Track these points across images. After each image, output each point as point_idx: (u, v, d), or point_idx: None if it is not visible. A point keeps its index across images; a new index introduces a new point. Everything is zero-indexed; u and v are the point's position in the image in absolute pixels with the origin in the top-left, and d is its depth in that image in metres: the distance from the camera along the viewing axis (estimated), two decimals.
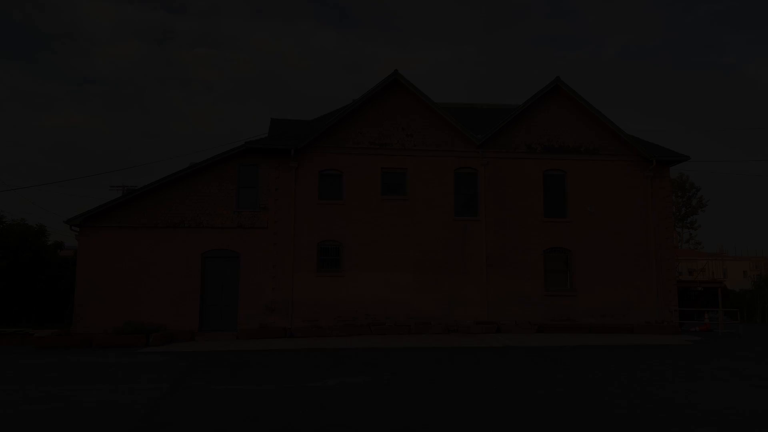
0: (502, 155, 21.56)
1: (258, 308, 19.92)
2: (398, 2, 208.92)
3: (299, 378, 11.36)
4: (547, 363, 13.29)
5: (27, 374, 12.15)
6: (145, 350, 16.33)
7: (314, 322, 19.95)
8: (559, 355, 14.54)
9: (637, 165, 22.00)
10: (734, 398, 9.41)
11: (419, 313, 20.40)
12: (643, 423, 7.72)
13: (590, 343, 17.23)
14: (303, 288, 20.14)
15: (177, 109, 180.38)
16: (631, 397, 9.47)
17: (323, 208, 20.63)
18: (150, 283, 19.63)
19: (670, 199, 22.27)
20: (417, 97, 21.22)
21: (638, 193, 21.86)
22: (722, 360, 14.08)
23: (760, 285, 33.97)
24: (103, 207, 19.66)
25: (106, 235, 19.72)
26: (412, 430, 7.38)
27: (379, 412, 8.42)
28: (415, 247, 20.74)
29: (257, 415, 8.23)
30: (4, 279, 23.00)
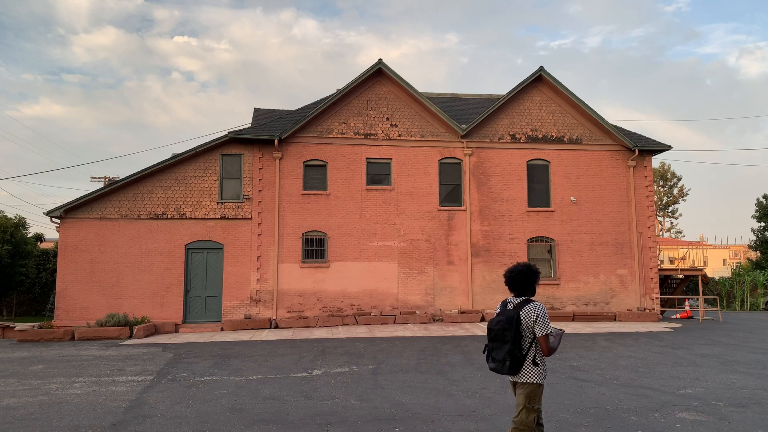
0: (486, 145, 21.63)
1: (242, 299, 19.85)
2: None
3: (284, 368, 11.36)
4: None
5: (8, 368, 12.00)
6: (129, 342, 16.22)
7: (299, 313, 19.94)
8: None
9: (619, 154, 22.20)
10: (714, 383, 9.58)
11: (404, 302, 20.48)
12: (626, 409, 7.83)
13: (573, 330, 17.42)
14: (288, 279, 20.10)
15: (157, 98, 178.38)
16: (613, 384, 9.60)
17: (308, 198, 20.56)
18: (133, 275, 19.46)
19: (652, 188, 22.50)
20: (401, 87, 21.16)
21: (620, 182, 22.08)
22: (702, 346, 14.31)
23: (739, 273, 34.56)
24: (85, 198, 19.40)
25: (87, 227, 19.49)
26: (398, 419, 7.41)
27: (365, 401, 8.44)
28: (400, 237, 20.78)
29: (242, 406, 8.21)
30: None
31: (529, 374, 4.71)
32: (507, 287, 4.95)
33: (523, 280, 4.87)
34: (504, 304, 4.91)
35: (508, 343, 4.64)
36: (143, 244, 19.64)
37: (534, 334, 4.71)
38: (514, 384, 4.83)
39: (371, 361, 12.02)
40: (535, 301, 4.76)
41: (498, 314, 4.83)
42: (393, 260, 20.65)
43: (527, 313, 4.69)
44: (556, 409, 7.78)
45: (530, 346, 4.71)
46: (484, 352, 4.90)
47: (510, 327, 4.65)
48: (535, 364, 4.69)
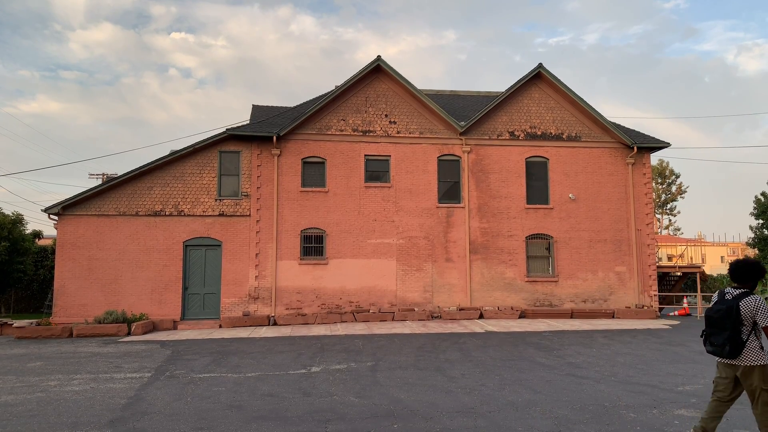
0: (485, 142, 21.61)
1: (241, 296, 19.84)
2: None
3: (283, 365, 11.35)
4: (530, 348, 13.42)
5: (6, 365, 11.98)
6: (127, 339, 16.20)
7: (298, 310, 19.93)
8: (541, 340, 14.69)
9: (618, 152, 22.20)
10: (712, 380, 9.57)
11: (403, 299, 20.48)
12: (624, 405, 7.83)
13: (572, 328, 17.43)
14: (286, 276, 20.09)
15: (154, 95, 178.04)
16: (612, 380, 9.61)
17: (306, 195, 20.54)
18: (131, 272, 19.44)
19: (651, 185, 22.50)
20: (400, 84, 21.13)
21: (619, 179, 22.08)
22: (700, 343, 14.31)
23: None
24: (83, 195, 19.37)
25: (85, 224, 19.46)
26: (397, 416, 7.40)
27: (363, 398, 8.43)
28: (399, 234, 20.77)
29: (241, 404, 8.20)
30: None
31: (756, 357, 5.16)
32: (729, 276, 5.40)
33: (748, 272, 5.31)
34: (721, 294, 5.37)
35: (727, 330, 5.14)
36: (141, 241, 19.61)
37: (754, 324, 5.16)
38: (731, 367, 5.29)
39: (370, 358, 12.02)
40: (753, 294, 5.23)
41: (716, 303, 5.33)
42: (391, 257, 20.65)
43: (747, 305, 5.16)
44: (554, 406, 7.78)
45: (750, 334, 5.16)
46: (701, 337, 5.45)
47: (729, 315, 5.15)
48: (762, 348, 5.18)
